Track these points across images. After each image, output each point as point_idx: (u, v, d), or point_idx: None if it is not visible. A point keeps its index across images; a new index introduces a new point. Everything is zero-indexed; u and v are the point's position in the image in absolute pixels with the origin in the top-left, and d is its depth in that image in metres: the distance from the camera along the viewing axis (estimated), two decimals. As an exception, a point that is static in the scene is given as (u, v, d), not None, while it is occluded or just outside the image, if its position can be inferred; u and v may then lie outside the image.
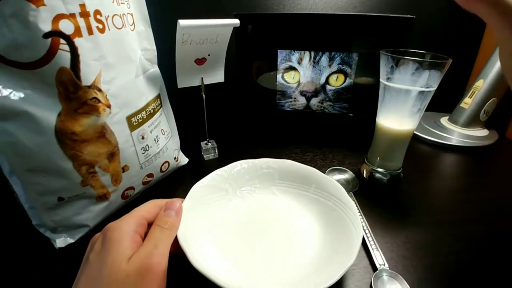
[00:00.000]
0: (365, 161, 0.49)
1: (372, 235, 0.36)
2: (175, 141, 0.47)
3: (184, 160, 0.49)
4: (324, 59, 0.51)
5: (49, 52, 0.27)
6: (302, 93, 0.54)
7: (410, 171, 0.49)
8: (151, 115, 0.39)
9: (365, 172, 0.48)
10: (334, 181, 0.38)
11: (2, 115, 0.27)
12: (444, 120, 0.69)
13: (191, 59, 0.43)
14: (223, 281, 0.26)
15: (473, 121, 0.65)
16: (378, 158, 0.47)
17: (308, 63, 0.51)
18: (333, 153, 0.54)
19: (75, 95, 0.29)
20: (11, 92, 0.27)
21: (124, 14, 0.34)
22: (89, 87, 0.30)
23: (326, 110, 0.55)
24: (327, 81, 0.53)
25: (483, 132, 0.64)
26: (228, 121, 0.65)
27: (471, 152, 0.57)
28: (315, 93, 0.54)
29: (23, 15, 0.25)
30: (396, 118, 0.43)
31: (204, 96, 0.48)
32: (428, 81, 0.39)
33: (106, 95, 0.32)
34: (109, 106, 0.32)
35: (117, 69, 0.33)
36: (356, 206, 0.39)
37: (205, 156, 0.52)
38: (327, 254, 0.32)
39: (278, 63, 0.52)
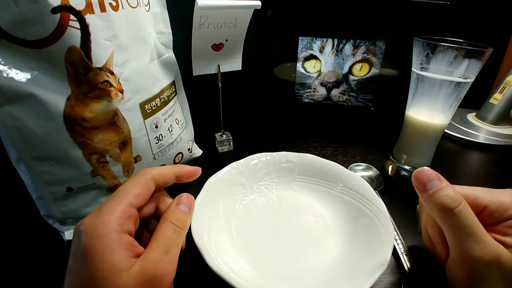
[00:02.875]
0: (390, 157, 0.46)
1: (400, 237, 0.33)
2: (189, 132, 0.44)
3: (198, 151, 0.47)
4: (348, 47, 0.47)
5: (57, 29, 0.24)
6: (322, 84, 0.51)
7: (437, 169, 0.45)
8: (165, 102, 0.36)
9: (390, 169, 0.45)
10: (361, 178, 0.35)
11: (7, 97, 0.25)
12: (471, 117, 0.65)
13: (208, 44, 0.40)
14: (241, 283, 0.24)
15: (502, 119, 0.61)
16: (405, 155, 0.43)
17: (330, 52, 0.48)
18: (355, 148, 0.51)
19: (86, 77, 0.27)
20: (17, 73, 0.25)
21: (138, -8, 0.31)
22: (100, 69, 0.27)
23: (348, 102, 0.52)
24: (350, 71, 0.49)
25: (512, 131, 0.60)
26: (244, 112, 0.62)
27: (500, 151, 0.54)
28: (337, 84, 0.50)
29: None
30: (428, 111, 0.40)
31: (220, 85, 0.45)
32: (466, 72, 0.36)
33: (118, 79, 0.29)
34: (121, 91, 0.29)
35: (131, 51, 0.30)
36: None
37: (219, 148, 0.50)
38: (354, 259, 0.29)
39: (298, 51, 0.49)
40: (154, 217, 0.27)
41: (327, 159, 0.40)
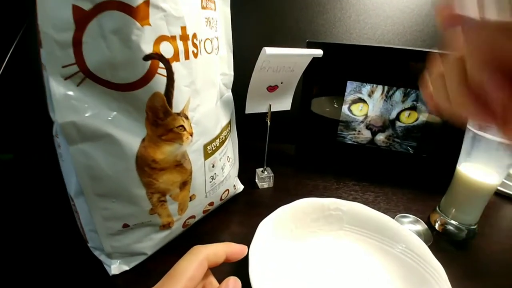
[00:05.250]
0: (437, 209, 0.44)
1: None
2: (236, 168, 0.44)
3: (240, 187, 0.47)
4: (398, 94, 0.47)
5: (146, 76, 0.25)
6: (368, 127, 0.51)
7: (484, 225, 0.44)
8: (222, 142, 0.37)
9: (437, 224, 0.43)
10: (419, 239, 0.34)
11: (83, 135, 0.25)
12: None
13: (264, 85, 0.41)
14: None
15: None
16: (454, 209, 0.42)
17: (379, 97, 0.48)
18: (397, 195, 0.50)
19: (163, 121, 0.27)
20: (96, 112, 0.25)
21: (213, 38, 0.32)
22: (178, 114, 0.28)
23: (392, 147, 0.51)
24: (397, 117, 0.49)
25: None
26: (284, 148, 0.62)
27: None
28: (383, 128, 0.50)
29: (125, 33, 0.23)
30: (483, 170, 0.39)
31: (269, 123, 0.45)
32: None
33: (190, 123, 0.30)
34: (191, 134, 0.30)
35: (202, 95, 0.31)
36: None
37: (259, 183, 0.49)
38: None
39: (346, 93, 0.49)
40: None
41: (369, 205, 0.39)
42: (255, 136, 0.53)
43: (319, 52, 0.39)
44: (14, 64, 0.54)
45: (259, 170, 0.50)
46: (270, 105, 0.44)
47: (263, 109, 0.44)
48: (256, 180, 0.50)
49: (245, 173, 0.50)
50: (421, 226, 0.42)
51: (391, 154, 0.52)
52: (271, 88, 0.42)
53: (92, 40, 0.23)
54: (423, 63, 0.46)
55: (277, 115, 0.46)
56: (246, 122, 0.48)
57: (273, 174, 0.49)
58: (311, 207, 0.38)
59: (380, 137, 0.51)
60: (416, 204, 0.48)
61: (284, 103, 0.45)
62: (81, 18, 0.22)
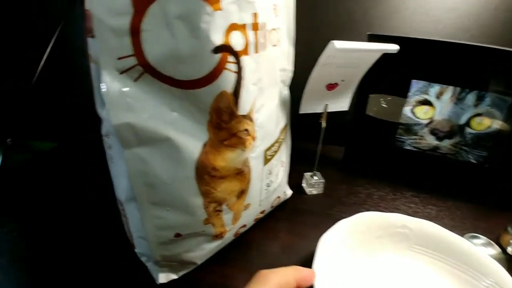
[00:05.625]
0: (510, 230, 0.38)
1: None
2: (287, 173, 0.41)
3: (289, 192, 0.43)
4: (471, 97, 0.42)
5: (214, 71, 0.22)
6: (432, 132, 0.45)
7: None
8: (279, 146, 0.33)
9: (511, 248, 0.38)
10: (506, 272, 0.29)
11: (140, 139, 0.23)
12: None
13: (323, 83, 0.37)
14: None
15: None
16: (532, 232, 0.36)
17: (449, 99, 0.43)
18: (461, 210, 0.44)
19: (228, 124, 0.24)
20: (156, 113, 0.23)
21: (277, 28, 0.28)
22: (244, 116, 0.24)
23: (458, 155, 0.46)
24: (467, 123, 0.43)
25: None
26: (332, 150, 0.57)
27: None
28: (450, 134, 0.45)
29: (193, 19, 0.20)
30: None
31: (324, 124, 0.41)
32: None
33: (254, 126, 0.26)
34: (254, 139, 0.26)
35: (266, 94, 0.27)
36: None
37: (307, 189, 0.46)
38: None
39: (410, 94, 0.44)
40: None
41: (433, 221, 0.35)
42: (301, 136, 0.49)
43: (394, 48, 0.34)
44: (60, 52, 0.53)
45: (307, 175, 0.46)
46: (327, 105, 0.40)
47: (318, 109, 0.40)
48: (304, 185, 0.46)
49: (291, 177, 0.46)
50: (494, 250, 0.37)
51: (455, 163, 0.46)
52: (331, 86, 0.37)
53: (153, 28, 0.20)
54: (503, 63, 0.40)
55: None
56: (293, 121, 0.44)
57: (324, 180, 0.45)
58: (375, 223, 0.34)
59: (446, 143, 0.45)
60: (484, 222, 0.42)
61: (342, 103, 0.41)
62: (141, 0, 0.19)
